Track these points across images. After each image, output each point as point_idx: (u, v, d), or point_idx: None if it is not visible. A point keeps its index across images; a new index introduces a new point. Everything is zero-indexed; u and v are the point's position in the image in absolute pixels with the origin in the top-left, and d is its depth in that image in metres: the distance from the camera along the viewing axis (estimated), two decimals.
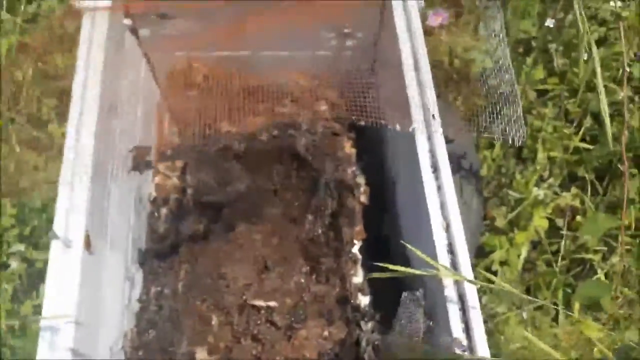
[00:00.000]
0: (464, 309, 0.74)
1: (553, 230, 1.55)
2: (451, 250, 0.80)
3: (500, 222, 1.58)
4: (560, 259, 1.47)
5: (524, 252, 1.58)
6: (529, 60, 1.66)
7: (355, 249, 1.05)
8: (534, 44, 1.70)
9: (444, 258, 0.78)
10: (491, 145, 1.73)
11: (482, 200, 1.67)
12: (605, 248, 1.38)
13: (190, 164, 1.09)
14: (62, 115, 1.29)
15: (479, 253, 1.49)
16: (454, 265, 0.79)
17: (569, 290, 1.47)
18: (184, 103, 1.14)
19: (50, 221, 1.06)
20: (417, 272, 0.72)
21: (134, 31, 1.09)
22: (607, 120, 0.66)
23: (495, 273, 1.41)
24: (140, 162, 1.00)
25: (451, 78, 1.41)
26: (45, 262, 1.03)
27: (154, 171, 1.18)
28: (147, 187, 1.14)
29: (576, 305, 1.42)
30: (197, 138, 1.10)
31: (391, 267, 0.72)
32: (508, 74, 0.81)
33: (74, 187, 0.80)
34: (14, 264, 1.02)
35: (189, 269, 0.97)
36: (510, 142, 0.72)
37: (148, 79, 1.17)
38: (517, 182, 1.64)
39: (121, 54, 1.03)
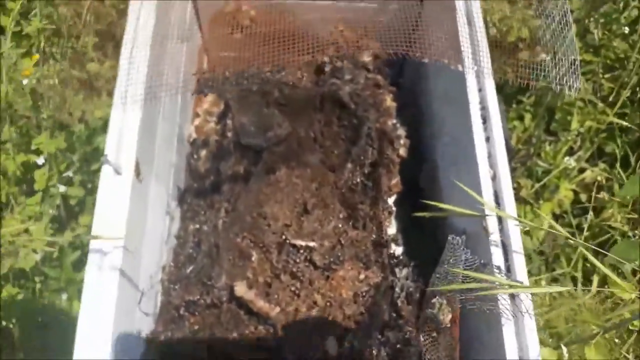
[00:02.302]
0: (506, 254, 0.75)
1: (575, 205, 1.56)
2: (497, 201, 0.80)
3: (525, 192, 1.58)
4: (587, 228, 1.48)
5: (546, 224, 1.58)
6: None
7: (391, 201, 1.06)
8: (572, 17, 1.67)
9: (490, 203, 0.79)
10: (520, 117, 1.72)
11: (510, 169, 1.67)
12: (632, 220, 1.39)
13: (230, 107, 1.09)
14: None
15: None
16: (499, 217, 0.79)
17: (588, 265, 1.49)
18: (227, 44, 1.14)
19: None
20: (466, 211, 0.73)
21: None
22: None
23: None
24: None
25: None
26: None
27: (193, 114, 1.19)
28: (187, 128, 1.15)
29: (595, 279, 1.44)
30: (238, 79, 1.10)
31: (440, 205, 0.73)
32: (565, 23, 0.80)
33: (126, 111, 0.80)
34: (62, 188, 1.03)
35: (229, 207, 0.98)
36: (567, 90, 0.72)
37: (192, 22, 1.17)
38: (545, 152, 1.64)
39: None
